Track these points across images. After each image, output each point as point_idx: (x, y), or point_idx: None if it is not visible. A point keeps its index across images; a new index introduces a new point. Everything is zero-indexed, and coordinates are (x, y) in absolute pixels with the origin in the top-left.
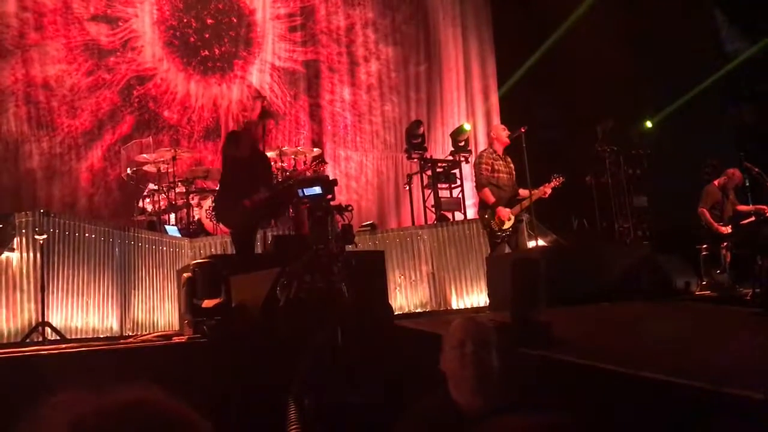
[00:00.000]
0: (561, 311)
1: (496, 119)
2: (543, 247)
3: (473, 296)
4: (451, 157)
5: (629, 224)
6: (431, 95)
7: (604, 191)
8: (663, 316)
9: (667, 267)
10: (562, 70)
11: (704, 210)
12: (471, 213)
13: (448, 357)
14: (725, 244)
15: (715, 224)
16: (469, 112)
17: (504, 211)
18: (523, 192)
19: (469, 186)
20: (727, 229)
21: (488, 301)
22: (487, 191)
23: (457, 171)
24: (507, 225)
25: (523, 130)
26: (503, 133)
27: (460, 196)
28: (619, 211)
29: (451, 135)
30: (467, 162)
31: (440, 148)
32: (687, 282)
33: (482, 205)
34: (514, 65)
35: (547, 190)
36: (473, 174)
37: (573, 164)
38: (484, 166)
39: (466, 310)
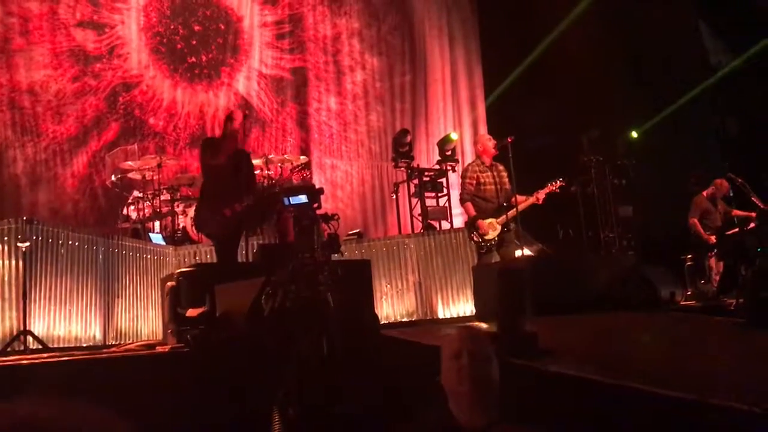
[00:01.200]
0: (547, 321)
1: (483, 129)
2: (529, 256)
3: (459, 305)
4: (437, 166)
5: (614, 234)
6: (416, 105)
7: (590, 201)
8: (648, 326)
9: (652, 277)
10: (549, 80)
11: (695, 220)
12: (458, 222)
13: (443, 367)
14: (711, 254)
15: (705, 234)
16: (456, 122)
17: (484, 224)
18: (520, 198)
19: (456, 195)
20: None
21: (474, 311)
22: (468, 205)
23: (443, 180)
24: (491, 235)
25: (509, 140)
26: (489, 144)
27: (447, 205)
28: (605, 221)
29: (438, 144)
30: (454, 171)
31: (425, 158)
32: (672, 292)
33: (467, 221)
34: (501, 75)
35: (540, 196)
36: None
37: (559, 174)
38: (467, 180)
39: (452, 319)
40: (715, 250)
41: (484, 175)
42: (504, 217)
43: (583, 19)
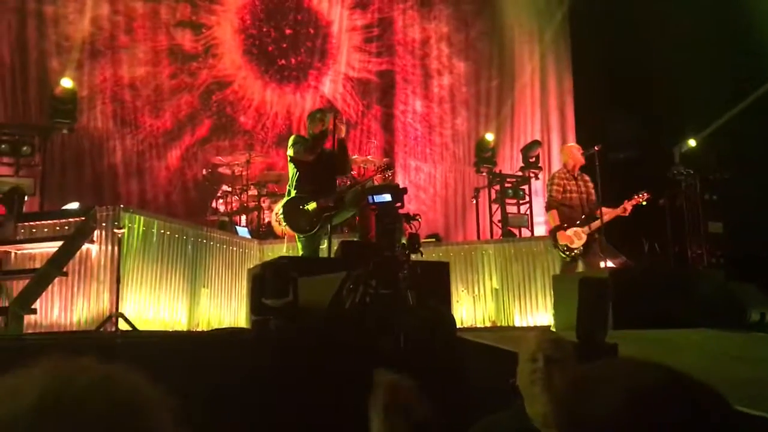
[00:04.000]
0: (627, 334)
1: (571, 136)
2: (612, 268)
3: (538, 315)
4: (520, 173)
5: (702, 250)
6: (502, 110)
7: (678, 215)
8: (732, 345)
9: (740, 296)
10: (641, 88)
11: None
12: (539, 230)
13: (519, 369)
14: None
15: None
16: (543, 129)
17: (565, 235)
18: (606, 210)
19: (539, 203)
20: None
21: (553, 321)
22: (554, 213)
23: (525, 187)
24: (577, 244)
25: (597, 149)
26: (577, 153)
27: (528, 212)
28: (693, 237)
29: (521, 150)
30: (537, 179)
31: (509, 164)
32: (762, 313)
33: (551, 229)
34: (591, 82)
35: (627, 207)
36: (545, 193)
37: (647, 186)
38: (555, 187)
39: (529, 328)
40: None
41: (570, 183)
42: (588, 227)
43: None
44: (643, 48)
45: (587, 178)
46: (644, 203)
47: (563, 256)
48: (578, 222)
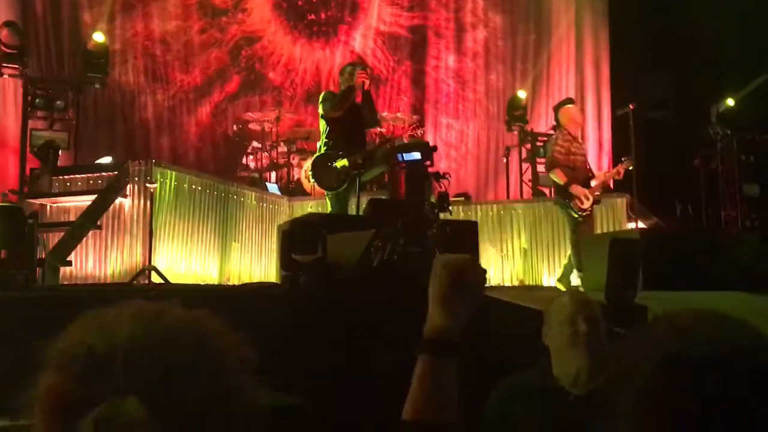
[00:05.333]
0: (658, 295)
1: (606, 93)
2: (643, 229)
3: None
4: (552, 131)
5: (737, 213)
6: (539, 66)
7: (713, 177)
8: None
9: None
10: (679, 45)
11: None
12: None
13: (554, 330)
14: None
15: None
16: (578, 85)
17: (580, 189)
18: (598, 174)
19: None
20: None
21: (581, 281)
22: (558, 171)
23: None
24: (586, 204)
25: (631, 108)
26: (578, 115)
27: None
28: (728, 199)
29: (554, 108)
30: None
31: (544, 121)
32: None
33: (558, 189)
34: (628, 38)
35: (621, 170)
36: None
37: (681, 146)
38: (558, 148)
39: (557, 288)
40: None
41: (573, 145)
42: (593, 188)
43: None
44: (682, 2)
45: (582, 141)
46: (629, 168)
47: (576, 215)
48: (582, 183)
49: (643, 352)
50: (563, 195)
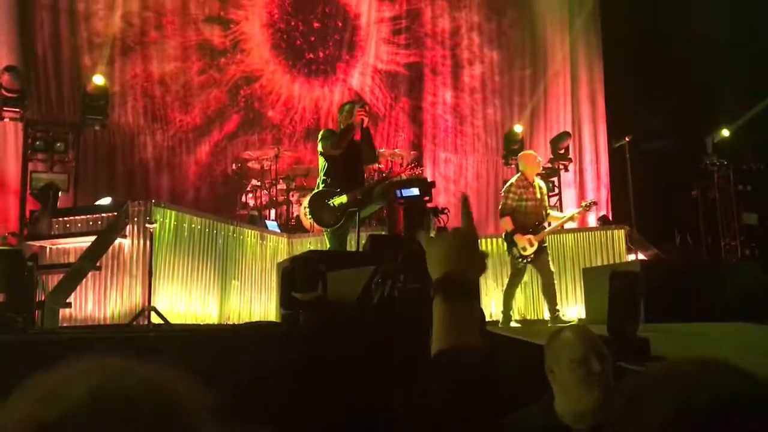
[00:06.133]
0: (659, 328)
1: (602, 126)
2: (643, 261)
3: (568, 308)
4: (549, 165)
5: (737, 242)
6: (535, 100)
7: (711, 206)
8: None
9: None
10: (673, 77)
11: None
12: (569, 223)
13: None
14: None
15: None
16: (575, 119)
17: (522, 238)
18: (556, 216)
19: (569, 194)
20: None
21: (583, 314)
22: (507, 219)
23: (555, 179)
24: (529, 251)
25: (627, 140)
26: (534, 161)
27: (557, 204)
28: (727, 228)
29: (551, 142)
30: (566, 170)
31: (541, 154)
32: None
33: (505, 234)
34: (622, 71)
35: (576, 216)
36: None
37: (679, 176)
38: (511, 195)
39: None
40: None
41: (528, 191)
42: (542, 234)
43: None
44: (675, 36)
45: (542, 184)
46: (589, 209)
47: (516, 261)
48: (530, 230)
49: (657, 399)
50: (507, 240)
